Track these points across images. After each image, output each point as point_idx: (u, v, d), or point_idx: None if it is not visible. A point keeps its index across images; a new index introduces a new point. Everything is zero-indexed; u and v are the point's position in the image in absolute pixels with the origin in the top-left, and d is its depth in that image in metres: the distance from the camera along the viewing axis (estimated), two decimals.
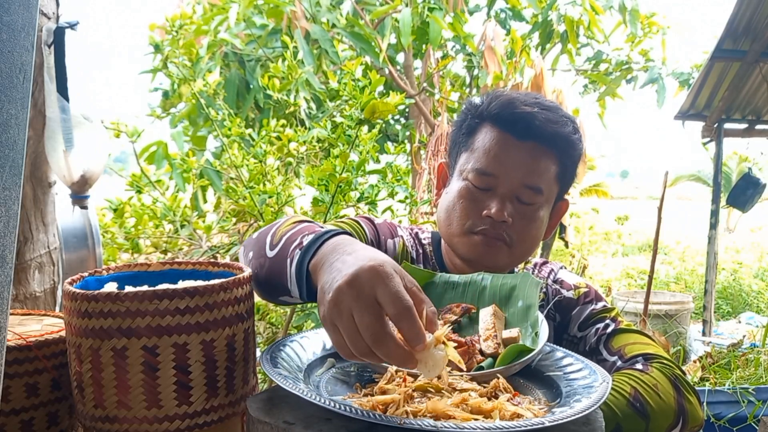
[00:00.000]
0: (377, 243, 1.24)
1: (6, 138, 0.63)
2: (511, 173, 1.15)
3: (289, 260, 0.86)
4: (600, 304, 1.22)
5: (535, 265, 1.33)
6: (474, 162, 1.18)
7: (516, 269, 1.32)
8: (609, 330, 1.17)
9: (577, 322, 1.20)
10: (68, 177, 1.43)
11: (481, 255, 1.16)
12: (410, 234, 1.32)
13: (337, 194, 2.86)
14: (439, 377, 0.77)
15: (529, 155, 1.16)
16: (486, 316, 0.95)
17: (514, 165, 1.15)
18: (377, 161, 3.08)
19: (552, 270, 1.31)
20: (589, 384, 0.78)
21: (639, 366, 1.07)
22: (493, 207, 1.14)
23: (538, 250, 7.50)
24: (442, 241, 1.30)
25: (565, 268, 1.33)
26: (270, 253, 0.91)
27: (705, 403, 2.51)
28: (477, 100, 1.25)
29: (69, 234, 1.59)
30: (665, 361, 1.09)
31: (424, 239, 1.32)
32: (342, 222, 1.24)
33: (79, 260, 1.60)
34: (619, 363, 1.11)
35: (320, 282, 0.74)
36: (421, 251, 1.29)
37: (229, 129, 3.08)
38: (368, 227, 1.25)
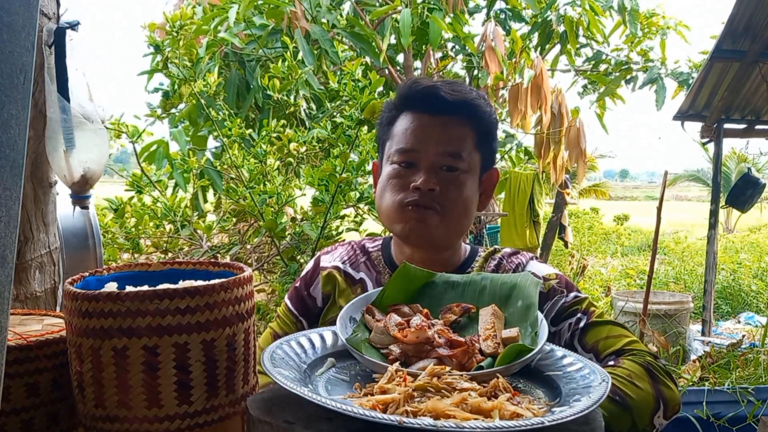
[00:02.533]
0: (301, 306, 1.36)
1: (6, 138, 0.64)
2: (429, 145, 1.23)
3: None
4: (571, 296, 1.23)
5: (504, 255, 1.33)
6: (395, 145, 1.26)
7: (465, 249, 1.35)
8: (581, 324, 1.18)
9: (549, 317, 1.21)
10: (69, 177, 1.43)
11: (415, 227, 1.23)
12: (350, 250, 1.39)
13: (337, 194, 2.87)
14: (439, 377, 0.77)
15: (443, 126, 1.24)
16: (486, 315, 0.95)
17: (432, 137, 1.23)
18: None
19: (521, 262, 1.31)
20: (589, 383, 0.79)
21: (611, 363, 1.09)
22: (419, 178, 1.21)
23: (538, 250, 7.51)
24: (392, 241, 1.36)
25: (536, 258, 1.34)
26: None
27: (705, 403, 2.51)
28: (395, 95, 1.34)
29: (69, 234, 1.59)
30: (636, 351, 1.11)
31: (372, 247, 1.39)
32: (277, 319, 1.39)
33: (80, 260, 1.60)
34: (593, 360, 1.12)
35: None
36: (363, 259, 1.36)
37: (230, 129, 3.08)
38: (289, 302, 1.38)
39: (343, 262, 1.37)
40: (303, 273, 1.43)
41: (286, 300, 1.41)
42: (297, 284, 1.41)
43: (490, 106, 1.28)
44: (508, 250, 1.36)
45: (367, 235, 2.86)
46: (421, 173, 1.21)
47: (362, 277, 1.34)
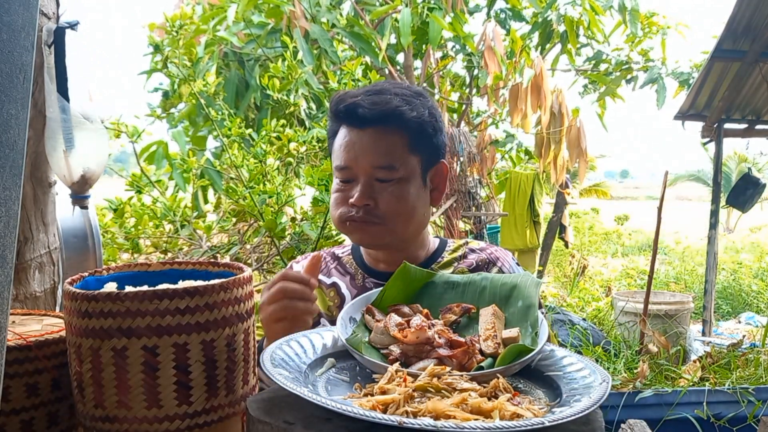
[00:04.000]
0: None
1: (6, 138, 0.64)
2: (361, 161, 1.25)
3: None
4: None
5: (474, 248, 1.38)
6: (334, 161, 1.30)
7: (434, 242, 1.40)
8: None
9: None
10: (68, 177, 1.43)
11: (361, 238, 1.29)
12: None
13: None
14: (439, 377, 0.77)
15: (371, 139, 1.25)
16: (486, 316, 0.95)
17: (362, 152, 1.25)
18: None
19: (491, 253, 1.36)
20: (589, 384, 0.79)
21: None
22: (355, 194, 1.24)
23: (538, 250, 7.52)
24: None
25: (504, 250, 1.39)
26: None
27: (705, 403, 2.51)
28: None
29: (69, 234, 1.59)
30: None
31: (342, 252, 1.44)
32: None
33: (79, 260, 1.60)
34: None
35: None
36: (333, 264, 1.41)
37: (229, 129, 3.08)
38: None
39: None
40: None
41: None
42: None
43: (417, 108, 1.26)
44: (481, 243, 1.40)
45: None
46: (358, 188, 1.25)
47: (334, 281, 1.37)
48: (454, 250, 1.37)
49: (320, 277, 1.38)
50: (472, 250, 1.37)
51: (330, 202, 1.33)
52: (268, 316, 1.12)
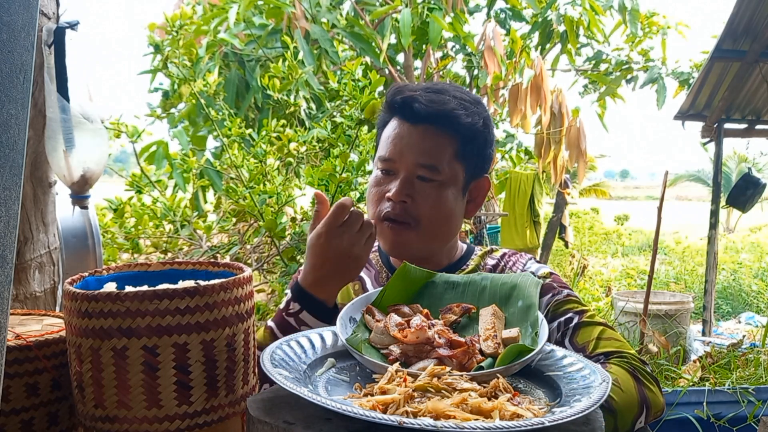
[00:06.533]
0: None
1: (6, 138, 0.64)
2: (406, 155, 1.23)
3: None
4: (564, 293, 1.24)
5: (502, 254, 1.34)
6: (379, 151, 1.28)
7: (462, 248, 1.36)
8: (573, 324, 1.19)
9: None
10: (68, 177, 1.43)
11: (391, 242, 1.25)
12: None
13: (337, 194, 2.86)
14: (439, 377, 0.77)
15: (421, 137, 1.23)
16: (486, 316, 0.95)
17: (409, 147, 1.23)
18: None
19: (519, 261, 1.33)
20: (589, 384, 0.79)
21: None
22: (393, 188, 1.22)
23: (538, 251, 7.51)
24: None
25: (533, 258, 1.35)
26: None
27: (705, 403, 2.51)
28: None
29: (69, 234, 1.59)
30: (624, 355, 1.12)
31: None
32: None
33: (79, 260, 1.60)
34: None
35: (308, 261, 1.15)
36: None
37: (229, 129, 3.08)
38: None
39: None
40: None
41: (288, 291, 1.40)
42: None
43: (473, 115, 1.25)
44: (506, 250, 1.36)
45: None
46: (397, 183, 1.22)
47: (360, 275, 1.34)
48: (481, 257, 1.34)
49: None
50: (492, 257, 1.34)
51: (367, 195, 1.31)
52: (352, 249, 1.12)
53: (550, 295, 1.23)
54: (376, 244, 1.41)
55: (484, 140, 1.28)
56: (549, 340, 1.18)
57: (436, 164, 1.22)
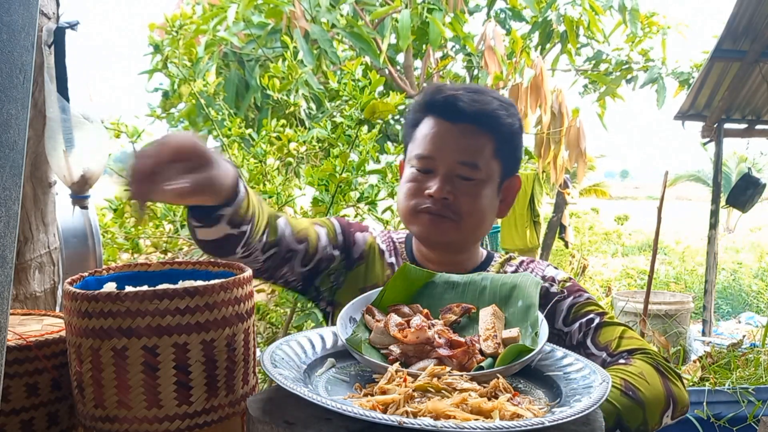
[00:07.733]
0: (345, 234, 1.37)
1: (6, 138, 0.64)
2: (446, 153, 1.24)
3: None
4: (584, 296, 1.26)
5: (522, 262, 1.36)
6: (416, 149, 1.28)
7: (482, 254, 1.38)
8: (594, 324, 1.20)
9: (561, 315, 1.24)
10: (68, 177, 1.43)
11: (429, 232, 1.26)
12: (383, 233, 1.43)
13: (337, 194, 2.86)
14: (439, 377, 0.77)
15: (461, 135, 1.24)
16: (486, 316, 0.95)
17: (449, 145, 1.24)
18: (377, 161, 3.08)
19: (537, 268, 1.35)
20: (589, 384, 0.79)
21: (622, 360, 1.12)
22: (434, 186, 1.23)
23: (539, 251, 7.51)
24: (413, 237, 1.38)
25: (551, 265, 1.37)
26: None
27: (705, 403, 2.51)
28: (419, 97, 1.35)
29: (69, 234, 1.59)
30: (648, 351, 1.14)
31: (398, 238, 1.42)
32: (317, 220, 1.39)
33: (79, 260, 1.60)
34: (606, 359, 1.15)
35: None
36: (392, 246, 1.39)
37: (229, 129, 3.08)
38: (338, 221, 1.39)
39: (382, 241, 1.40)
40: (354, 222, 1.45)
41: (334, 219, 1.41)
42: (350, 221, 1.44)
43: (512, 116, 1.28)
44: (523, 258, 1.38)
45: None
46: (437, 180, 1.23)
47: (392, 261, 1.37)
48: (501, 264, 1.36)
49: (384, 249, 1.38)
50: (510, 264, 1.36)
51: (399, 188, 1.32)
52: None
53: (571, 298, 1.25)
54: (404, 234, 1.43)
55: (519, 141, 1.32)
56: (570, 342, 1.20)
57: (476, 161, 1.24)
